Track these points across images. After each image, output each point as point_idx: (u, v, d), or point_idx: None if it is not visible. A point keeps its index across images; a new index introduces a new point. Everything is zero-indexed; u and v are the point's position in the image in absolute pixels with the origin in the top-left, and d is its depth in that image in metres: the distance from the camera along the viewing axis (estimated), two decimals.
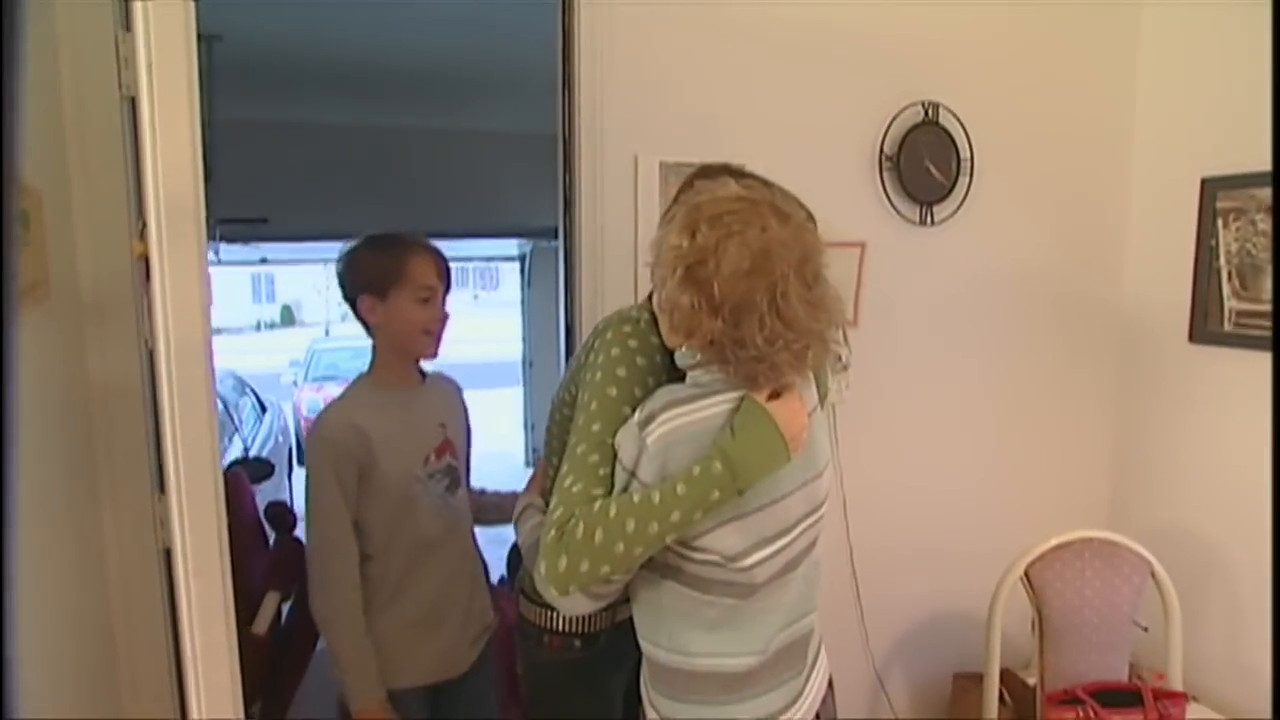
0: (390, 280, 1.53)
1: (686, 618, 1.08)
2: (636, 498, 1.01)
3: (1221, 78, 2.27)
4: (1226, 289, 2.27)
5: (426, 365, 1.71)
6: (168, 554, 1.30)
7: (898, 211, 2.20)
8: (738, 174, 1.25)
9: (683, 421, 1.02)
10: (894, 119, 2.16)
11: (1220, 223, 2.27)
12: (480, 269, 23.99)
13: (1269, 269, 2.17)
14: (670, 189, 1.96)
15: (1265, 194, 2.16)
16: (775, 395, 1.03)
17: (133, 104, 1.27)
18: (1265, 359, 2.17)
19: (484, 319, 19.43)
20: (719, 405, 1.04)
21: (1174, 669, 1.87)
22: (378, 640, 1.51)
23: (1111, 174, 2.49)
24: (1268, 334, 2.17)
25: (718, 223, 0.99)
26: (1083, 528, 2.43)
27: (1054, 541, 1.86)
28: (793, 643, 1.15)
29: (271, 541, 2.14)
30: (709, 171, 1.29)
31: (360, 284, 1.56)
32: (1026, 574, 1.84)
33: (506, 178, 6.08)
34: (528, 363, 7.51)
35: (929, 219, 2.23)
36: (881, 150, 2.16)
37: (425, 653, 1.57)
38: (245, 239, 5.37)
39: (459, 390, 1.84)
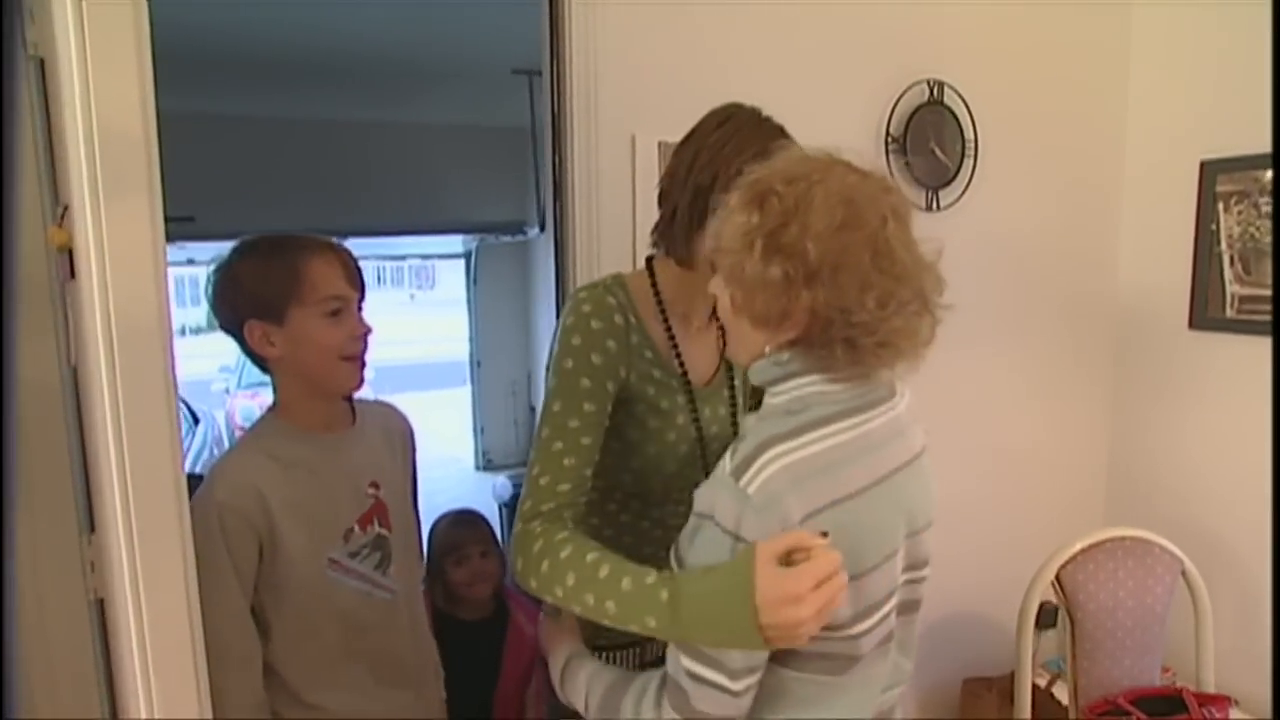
0: (286, 296, 1.16)
1: (771, 698, 0.89)
2: (590, 557, 0.92)
3: (1218, 58, 2.21)
4: (1228, 274, 2.22)
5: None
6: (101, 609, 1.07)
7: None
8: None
9: (796, 458, 0.82)
10: (899, 98, 2.03)
11: (1221, 206, 2.22)
12: (416, 267, 23.34)
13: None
14: None
15: (1268, 176, 2.11)
16: (788, 559, 0.78)
17: (41, 66, 1.03)
18: (1270, 345, 2.13)
19: (423, 318, 18.95)
20: (838, 435, 0.85)
21: (1206, 670, 1.79)
22: None
23: (1107, 158, 2.42)
24: (1272, 319, 2.12)
25: (792, 182, 0.83)
26: (1080, 522, 2.36)
27: (1086, 541, 1.76)
28: (878, 717, 0.99)
29: None
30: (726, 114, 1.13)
31: (244, 306, 1.17)
32: (1058, 577, 1.73)
33: (450, 172, 5.81)
34: (476, 363, 7.23)
35: (935, 204, 2.11)
36: (888, 132, 2.04)
37: None
38: (170, 238, 4.98)
39: (403, 424, 1.48)
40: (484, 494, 6.12)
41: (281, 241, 1.22)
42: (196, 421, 5.44)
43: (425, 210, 5.80)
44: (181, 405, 4.74)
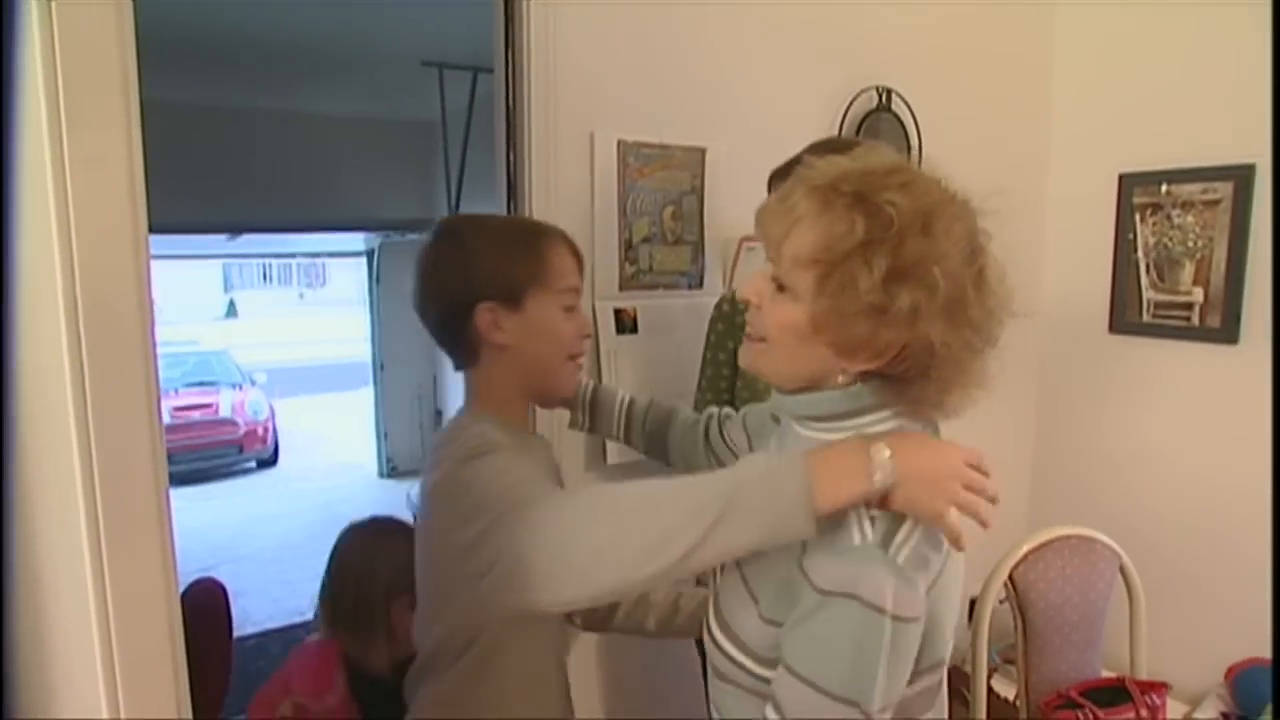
0: (528, 280, 1.05)
1: None
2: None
3: (1136, 75, 2.34)
4: (1145, 281, 2.35)
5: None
6: None
7: None
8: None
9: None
10: (850, 104, 2.04)
11: (1138, 217, 2.35)
12: (305, 265, 22.28)
13: (1185, 262, 2.26)
14: (629, 172, 1.74)
15: (1180, 189, 2.25)
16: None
17: None
18: (1182, 348, 2.27)
19: (314, 319, 18.08)
20: None
21: (1141, 658, 1.88)
22: None
23: (1032, 170, 2.52)
24: (1184, 324, 2.26)
25: (905, 186, 0.74)
26: (1008, 521, 2.45)
27: (1035, 541, 1.80)
28: None
29: None
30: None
31: (479, 287, 1.05)
32: (1011, 577, 1.78)
33: (351, 167, 5.53)
34: (379, 365, 6.92)
35: None
36: (840, 137, 2.04)
37: None
38: None
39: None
40: (390, 502, 5.88)
41: (517, 222, 1.26)
42: None
43: (324, 206, 5.50)
44: None
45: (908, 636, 0.74)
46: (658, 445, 1.24)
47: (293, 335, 16.03)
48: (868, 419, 0.81)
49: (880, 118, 2.08)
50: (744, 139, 1.89)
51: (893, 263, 0.72)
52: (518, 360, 1.07)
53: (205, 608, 1.70)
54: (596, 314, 1.67)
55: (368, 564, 1.43)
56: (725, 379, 1.58)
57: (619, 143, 1.72)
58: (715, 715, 0.89)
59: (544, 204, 1.67)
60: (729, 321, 1.57)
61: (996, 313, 0.77)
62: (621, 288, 1.72)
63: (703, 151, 1.81)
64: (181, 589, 1.77)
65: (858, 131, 2.05)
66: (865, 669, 0.72)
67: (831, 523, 0.75)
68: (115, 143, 0.93)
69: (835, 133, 2.04)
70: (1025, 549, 1.80)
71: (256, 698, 1.43)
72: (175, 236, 5.66)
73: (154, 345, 0.93)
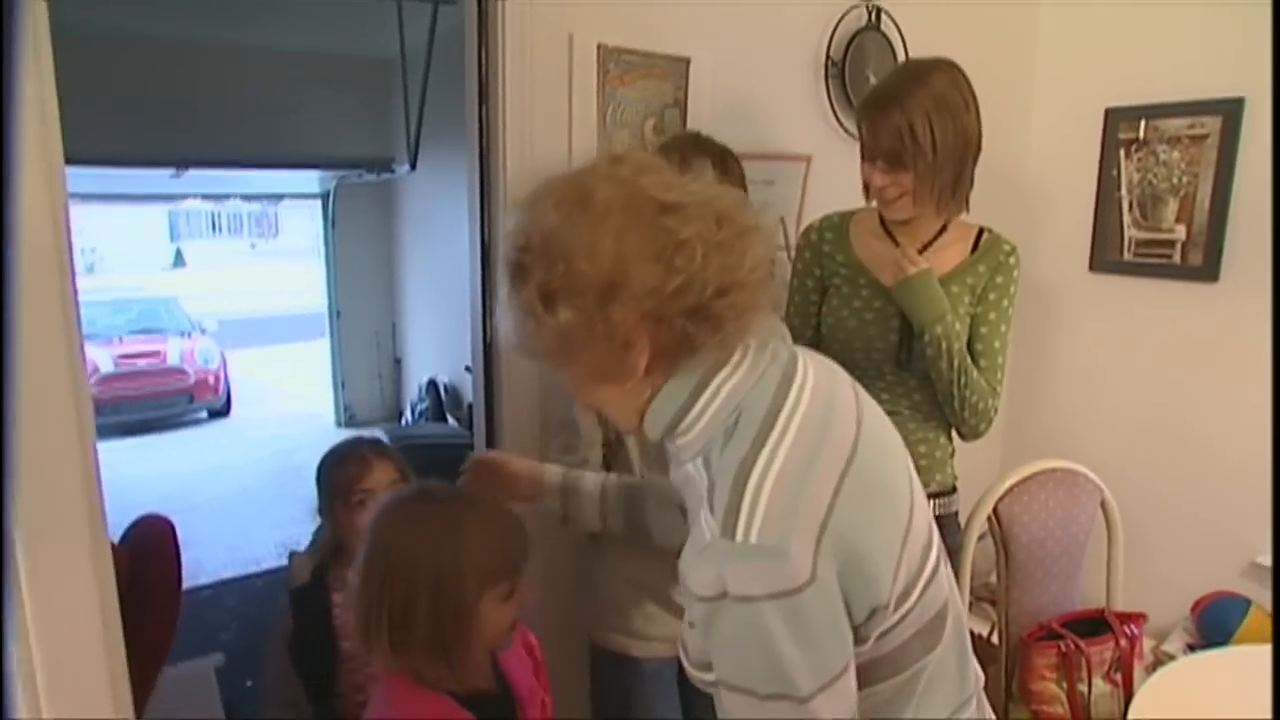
0: None
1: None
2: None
3: (1124, 5, 2.27)
4: (1127, 219, 2.31)
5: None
6: None
7: (841, 125, 2.00)
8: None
9: (777, 471, 0.73)
10: (839, 21, 1.94)
11: (1122, 153, 2.30)
12: (257, 215, 21.50)
13: (1169, 199, 2.22)
14: (610, 79, 1.63)
15: (1167, 125, 2.20)
16: None
17: None
18: (1162, 286, 2.25)
19: (266, 269, 17.49)
20: (793, 422, 0.76)
21: (1117, 591, 1.88)
22: None
23: (1016, 102, 2.45)
24: (1166, 262, 2.23)
25: (526, 231, 0.77)
26: (981, 454, 2.43)
27: (1019, 475, 1.78)
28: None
29: None
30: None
31: None
32: (995, 510, 1.75)
33: (303, 104, 5.27)
34: (335, 313, 6.70)
35: None
36: (827, 55, 1.94)
37: None
38: None
39: None
40: None
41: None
42: None
43: (276, 142, 5.24)
44: None
45: (802, 606, 0.68)
46: (635, 526, 1.19)
47: (244, 286, 15.55)
48: (700, 402, 0.78)
49: (868, 36, 1.98)
50: (730, 52, 1.79)
51: (543, 294, 0.74)
52: None
53: (151, 545, 1.59)
54: None
55: (446, 560, 0.98)
56: (814, 304, 1.57)
57: (599, 46, 1.60)
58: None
59: (518, 110, 1.56)
60: (815, 249, 1.56)
61: (696, 219, 0.75)
62: None
63: (687, 62, 1.71)
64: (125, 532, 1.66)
65: (846, 50, 1.96)
66: (774, 660, 0.69)
67: (692, 527, 0.77)
68: None
69: (823, 51, 1.94)
70: (1010, 482, 1.77)
71: None
72: (115, 171, 5.35)
73: (73, 288, 0.80)
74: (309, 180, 6.67)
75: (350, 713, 1.36)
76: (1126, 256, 2.32)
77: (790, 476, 0.71)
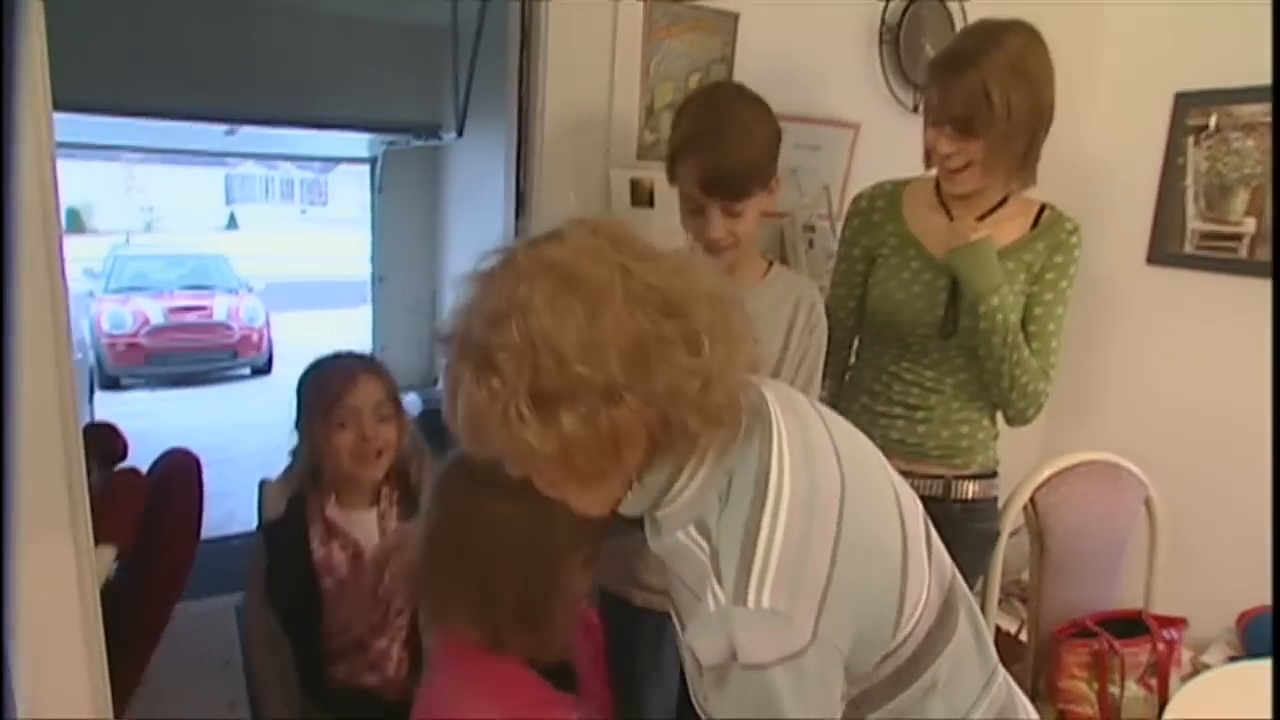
0: (674, 159, 1.23)
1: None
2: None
3: None
4: (1191, 209, 2.20)
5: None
6: None
7: (893, 94, 1.92)
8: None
9: (781, 534, 0.70)
10: None
11: (1191, 140, 2.19)
12: (309, 182, 21.94)
13: (1238, 190, 2.11)
14: (655, 30, 1.59)
15: (1243, 110, 2.08)
16: None
17: None
18: (1226, 281, 2.13)
19: (315, 235, 17.77)
20: (782, 478, 0.73)
21: (1156, 595, 1.80)
22: None
23: (1078, 82, 2.34)
24: (1231, 256, 2.12)
25: (501, 319, 0.69)
26: (1020, 445, 2.34)
27: (1058, 465, 1.70)
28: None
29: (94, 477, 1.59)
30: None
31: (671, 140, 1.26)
32: (1032, 499, 1.68)
33: (354, 68, 5.28)
34: (378, 278, 6.76)
35: (920, 105, 1.97)
36: (883, 21, 1.87)
37: None
38: None
39: (813, 295, 1.40)
40: None
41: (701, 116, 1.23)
42: None
43: (326, 104, 5.28)
44: None
45: (804, 666, 0.69)
46: None
47: (293, 250, 15.82)
48: (686, 474, 0.75)
49: (926, 4, 1.90)
50: (781, 10, 1.72)
51: (532, 397, 0.66)
52: None
53: (176, 477, 1.61)
54: (611, 182, 1.53)
55: (534, 524, 0.92)
56: (860, 274, 1.51)
57: (645, 3, 1.55)
58: None
59: (561, 59, 1.52)
60: (865, 218, 1.49)
61: (686, 310, 0.70)
62: (639, 156, 1.57)
63: (735, 17, 1.65)
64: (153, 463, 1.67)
65: (902, 17, 1.88)
66: (773, 715, 0.69)
67: (693, 599, 0.75)
68: None
69: (879, 17, 1.87)
70: (1048, 472, 1.70)
71: None
72: (172, 125, 5.45)
73: (59, 239, 0.78)
74: (358, 144, 6.72)
75: (334, 654, 1.32)
76: (1188, 249, 2.20)
77: (795, 540, 0.70)
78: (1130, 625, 1.65)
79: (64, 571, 0.81)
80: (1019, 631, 2.02)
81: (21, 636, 0.78)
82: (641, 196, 1.56)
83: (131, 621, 1.44)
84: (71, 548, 0.79)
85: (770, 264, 1.39)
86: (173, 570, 1.43)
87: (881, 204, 1.49)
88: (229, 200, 21.81)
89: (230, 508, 4.40)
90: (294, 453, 1.38)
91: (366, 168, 6.79)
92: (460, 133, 4.58)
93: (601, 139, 1.53)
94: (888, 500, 0.79)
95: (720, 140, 1.22)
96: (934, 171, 1.43)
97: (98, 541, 1.31)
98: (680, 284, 0.71)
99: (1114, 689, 1.60)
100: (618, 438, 0.68)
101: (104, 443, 1.61)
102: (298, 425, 1.35)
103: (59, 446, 0.79)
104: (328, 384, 1.31)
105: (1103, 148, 2.36)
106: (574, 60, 1.53)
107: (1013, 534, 1.73)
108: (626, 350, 0.66)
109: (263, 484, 1.40)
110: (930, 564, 0.80)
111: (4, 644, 0.65)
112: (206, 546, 1.71)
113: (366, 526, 1.33)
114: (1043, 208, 1.45)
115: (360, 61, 5.32)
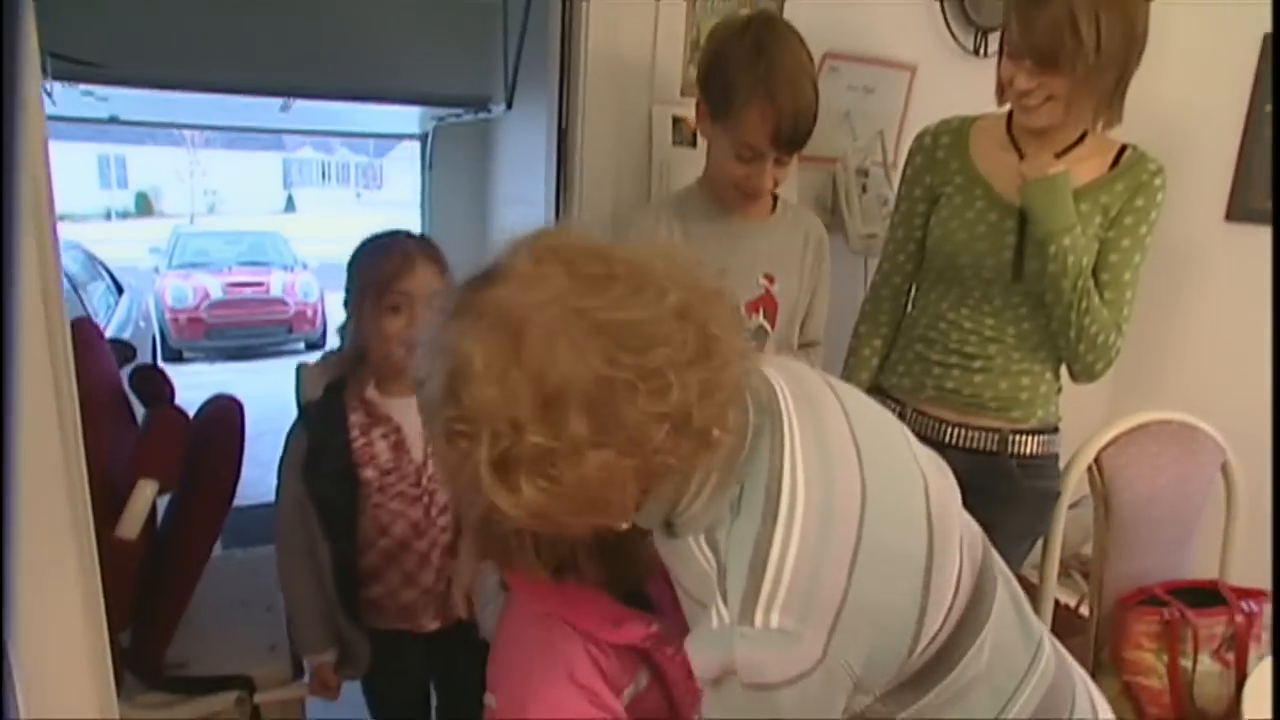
0: (721, 111, 1.23)
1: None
2: None
3: None
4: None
5: None
6: None
7: (953, 35, 1.82)
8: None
9: (795, 548, 0.66)
10: None
11: None
12: (364, 166, 22.41)
13: None
14: None
15: None
16: None
17: None
18: None
19: (370, 218, 18.09)
20: (795, 481, 0.67)
21: (1232, 566, 1.68)
22: None
23: (1155, 20, 2.19)
24: None
25: (476, 381, 0.63)
26: (1082, 404, 2.22)
27: (1127, 424, 1.60)
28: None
29: (142, 418, 1.61)
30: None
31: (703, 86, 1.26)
32: (1097, 460, 1.58)
33: (405, 39, 5.31)
34: None
35: (983, 48, 1.87)
36: None
37: None
38: (82, 79, 4.42)
39: (821, 232, 1.43)
40: None
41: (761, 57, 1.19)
42: (121, 292, 5.02)
43: (379, 77, 5.32)
44: (104, 276, 4.34)
45: (810, 687, 0.65)
46: None
47: (347, 231, 16.14)
48: (694, 487, 0.70)
49: None
50: None
51: (513, 463, 0.61)
52: (709, 160, 1.32)
53: (218, 421, 1.61)
54: (653, 119, 1.47)
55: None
56: (921, 215, 1.42)
57: None
58: None
59: (605, 46, 1.46)
60: (928, 155, 1.41)
61: (655, 337, 0.63)
62: (683, 93, 1.51)
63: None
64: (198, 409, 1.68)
65: None
66: None
67: (699, 610, 0.72)
68: None
69: None
70: (1115, 431, 1.59)
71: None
72: (228, 101, 5.55)
73: (53, 229, 0.74)
74: (409, 120, 6.77)
75: (370, 570, 1.30)
76: (1271, 204, 2.05)
77: (808, 556, 0.65)
78: (1205, 596, 1.54)
79: (63, 566, 0.78)
80: (1079, 605, 1.92)
81: (21, 637, 0.76)
82: (684, 136, 1.50)
83: (172, 559, 1.46)
84: (74, 546, 0.76)
85: (775, 199, 1.36)
86: (214, 503, 1.43)
87: (947, 140, 1.40)
88: (287, 184, 22.35)
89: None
90: (340, 331, 1.33)
91: (418, 151, 6.82)
92: (509, 104, 4.55)
93: (645, 74, 1.47)
94: (914, 494, 0.72)
95: (795, 90, 1.18)
96: (1005, 108, 1.35)
97: (141, 476, 1.33)
98: (640, 310, 0.63)
99: (1185, 662, 1.49)
100: (590, 494, 0.63)
101: (152, 384, 1.63)
102: (346, 305, 1.29)
103: (57, 451, 0.76)
104: (383, 265, 1.22)
105: (1179, 93, 2.20)
106: (620, 29, 1.47)
107: (1072, 505, 1.63)
108: (585, 404, 0.60)
109: (300, 367, 1.35)
110: (962, 553, 0.74)
111: (4, 644, 0.63)
112: (257, 511, 1.72)
113: (409, 413, 1.25)
114: (1123, 148, 1.35)
115: (412, 34, 5.34)
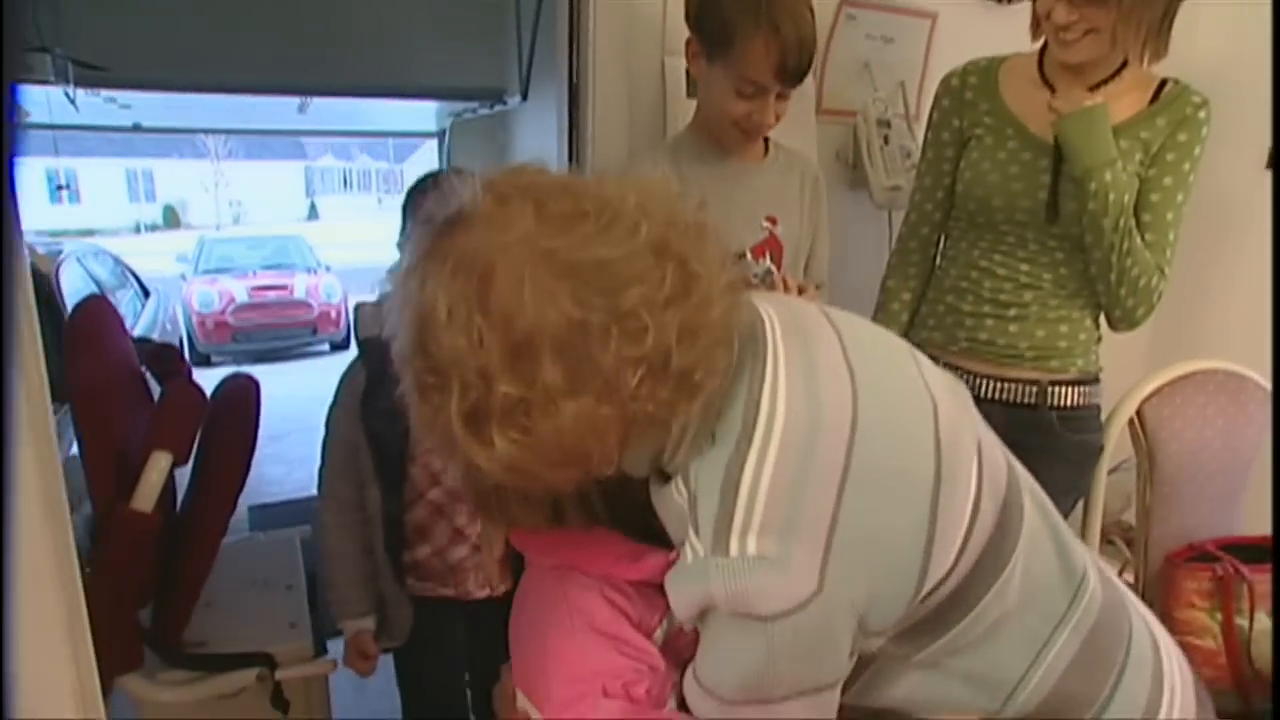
0: (716, 49, 1.19)
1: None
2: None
3: None
4: None
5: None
6: None
7: None
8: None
9: (770, 467, 0.61)
10: None
11: None
12: (384, 173, 22.64)
13: None
14: None
15: None
16: None
17: None
18: None
19: (394, 223, 18.24)
20: (780, 403, 0.62)
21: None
22: None
23: None
24: None
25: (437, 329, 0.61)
26: (1122, 355, 2.14)
27: (1173, 373, 1.53)
28: None
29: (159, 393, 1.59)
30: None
31: (693, 22, 1.23)
32: (1139, 411, 1.51)
33: (418, 32, 5.31)
34: None
35: None
36: None
37: None
38: (103, 84, 4.48)
39: (815, 172, 1.41)
40: None
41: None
42: (148, 295, 5.09)
43: (394, 72, 5.33)
44: (132, 282, 4.36)
45: (803, 622, 0.61)
46: None
47: (369, 237, 16.32)
48: (678, 426, 0.64)
49: None
50: None
51: (482, 416, 0.59)
52: (703, 100, 1.29)
53: (234, 399, 1.60)
54: (666, 71, 1.43)
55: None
56: (949, 160, 1.37)
57: None
58: None
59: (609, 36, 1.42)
60: (956, 97, 1.36)
61: (622, 273, 0.59)
62: None
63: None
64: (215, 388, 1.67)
65: None
66: (757, 674, 0.63)
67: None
68: None
69: None
70: (1158, 382, 1.53)
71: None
72: (247, 101, 5.61)
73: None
74: (426, 116, 6.81)
75: (414, 514, 1.31)
76: None
77: (788, 474, 0.60)
78: (1259, 552, 1.47)
79: (42, 567, 0.74)
80: (1121, 572, 1.85)
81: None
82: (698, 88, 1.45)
83: (189, 535, 1.44)
84: (50, 546, 0.72)
85: (767, 142, 1.33)
86: (230, 476, 1.42)
87: (975, 80, 1.34)
88: (309, 193, 22.63)
89: (310, 472, 4.54)
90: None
91: (436, 154, 6.85)
92: (525, 95, 4.53)
93: (657, 25, 1.43)
94: (918, 416, 0.66)
95: (797, 19, 1.13)
96: (1036, 46, 1.28)
97: (155, 448, 1.31)
98: (611, 248, 0.59)
99: (1241, 621, 1.42)
100: (567, 445, 0.60)
101: (166, 361, 1.62)
102: (399, 246, 1.30)
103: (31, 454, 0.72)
104: None
105: (1218, 34, 2.12)
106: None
107: (1112, 471, 1.56)
108: (557, 350, 0.57)
109: (358, 306, 1.41)
110: (980, 482, 0.67)
111: (4, 644, 0.60)
112: (286, 508, 1.71)
113: None
114: (1164, 81, 1.28)
115: (426, 27, 5.35)
